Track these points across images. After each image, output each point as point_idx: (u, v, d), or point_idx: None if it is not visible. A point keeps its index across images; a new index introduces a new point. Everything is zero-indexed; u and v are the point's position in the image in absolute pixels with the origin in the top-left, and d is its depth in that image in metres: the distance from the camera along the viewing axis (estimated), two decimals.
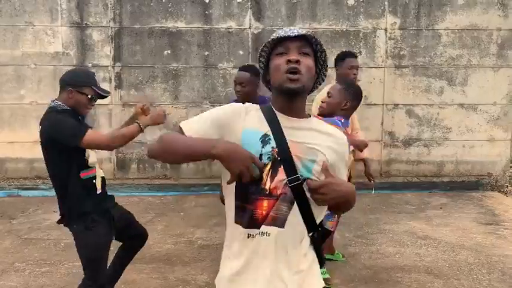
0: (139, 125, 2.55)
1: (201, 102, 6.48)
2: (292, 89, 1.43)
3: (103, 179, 2.70)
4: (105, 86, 6.37)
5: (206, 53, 6.43)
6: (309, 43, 1.48)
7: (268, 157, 1.44)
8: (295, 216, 1.45)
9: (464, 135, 6.67)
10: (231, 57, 6.44)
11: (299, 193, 1.44)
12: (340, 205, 1.51)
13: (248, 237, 1.46)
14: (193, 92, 6.49)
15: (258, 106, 1.56)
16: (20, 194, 6.22)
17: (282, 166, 1.44)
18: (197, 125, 1.49)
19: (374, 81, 6.54)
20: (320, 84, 1.59)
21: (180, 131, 1.47)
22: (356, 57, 3.92)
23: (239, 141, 1.44)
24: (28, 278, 3.73)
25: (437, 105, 6.62)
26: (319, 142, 1.49)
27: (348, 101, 2.90)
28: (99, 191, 2.61)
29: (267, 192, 1.44)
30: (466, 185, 6.60)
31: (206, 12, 6.38)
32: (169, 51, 6.42)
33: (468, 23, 6.49)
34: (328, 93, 2.97)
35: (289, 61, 1.43)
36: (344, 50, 6.44)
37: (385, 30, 6.49)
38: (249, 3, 6.38)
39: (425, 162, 6.72)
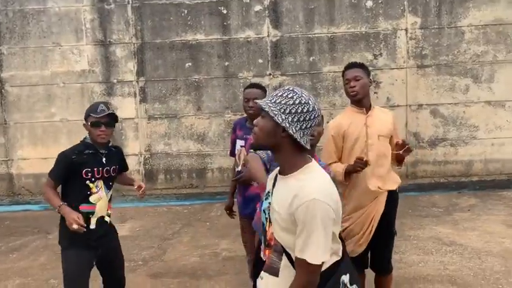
0: (59, 207, 2.65)
1: (223, 111, 6.60)
2: (251, 146, 1.66)
3: (102, 220, 2.83)
4: (129, 100, 6.62)
5: (226, 63, 6.53)
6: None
7: (268, 212, 1.63)
8: (287, 266, 1.56)
9: (493, 133, 6.51)
10: (250, 66, 6.51)
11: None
12: None
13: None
14: (215, 102, 6.61)
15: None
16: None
17: None
18: None
19: (396, 82, 6.47)
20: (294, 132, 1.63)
21: None
22: (352, 67, 3.00)
23: None
24: None
25: (462, 104, 6.48)
26: (280, 199, 1.58)
27: (315, 132, 2.67)
28: (92, 226, 2.77)
29: (267, 244, 1.63)
30: (496, 183, 6.46)
31: (225, 23, 6.47)
32: (190, 64, 6.55)
33: (493, 18, 6.31)
34: None
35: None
36: (364, 52, 6.44)
37: (406, 30, 6.40)
38: (267, 12, 6.43)
39: (452, 162, 6.59)
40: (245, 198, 3.29)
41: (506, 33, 6.34)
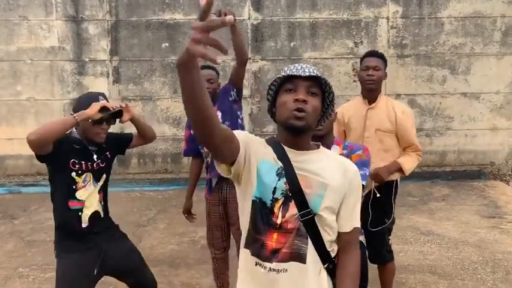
0: (74, 115, 2.26)
1: None
2: (296, 126, 1.45)
3: (96, 213, 2.48)
4: (102, 80, 6.32)
5: None
6: (318, 82, 1.49)
7: (282, 192, 1.47)
8: (312, 250, 1.48)
9: (467, 125, 6.62)
10: (229, 49, 6.31)
11: (311, 227, 1.47)
12: None
13: (256, 265, 1.49)
14: None
15: (264, 141, 1.57)
16: (20, 191, 6.20)
17: (293, 201, 1.47)
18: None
19: None
20: (324, 122, 1.60)
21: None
22: (375, 55, 2.97)
23: (256, 168, 1.48)
24: (32, 284, 3.72)
25: (439, 95, 6.55)
26: (327, 174, 1.50)
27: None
28: (84, 225, 2.42)
29: (278, 226, 1.47)
30: (468, 174, 6.58)
31: None
32: (167, 44, 6.31)
33: (472, 10, 6.37)
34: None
35: (296, 100, 1.44)
36: (345, 40, 6.38)
37: (387, 19, 6.37)
38: None
39: (427, 152, 6.67)
40: None
41: (483, 26, 6.41)
